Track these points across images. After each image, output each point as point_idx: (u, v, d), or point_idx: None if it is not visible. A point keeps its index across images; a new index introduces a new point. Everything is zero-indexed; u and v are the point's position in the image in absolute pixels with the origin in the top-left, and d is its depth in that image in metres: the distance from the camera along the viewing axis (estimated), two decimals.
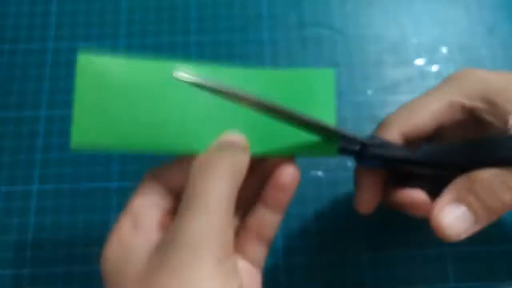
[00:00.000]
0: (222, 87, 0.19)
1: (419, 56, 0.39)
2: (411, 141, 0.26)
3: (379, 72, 0.38)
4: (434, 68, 0.38)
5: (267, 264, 0.31)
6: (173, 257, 0.19)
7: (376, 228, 0.34)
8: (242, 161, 0.22)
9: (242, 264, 0.23)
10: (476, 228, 0.23)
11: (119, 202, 0.34)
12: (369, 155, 0.24)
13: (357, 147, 0.24)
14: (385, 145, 0.24)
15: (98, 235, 0.33)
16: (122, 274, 0.21)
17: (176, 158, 0.24)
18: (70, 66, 0.38)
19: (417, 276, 0.33)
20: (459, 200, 0.22)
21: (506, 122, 0.24)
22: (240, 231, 0.24)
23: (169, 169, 0.23)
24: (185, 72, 0.19)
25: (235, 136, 0.22)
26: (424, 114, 0.26)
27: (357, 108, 0.37)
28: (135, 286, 0.20)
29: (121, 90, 0.23)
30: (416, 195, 0.25)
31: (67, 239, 0.33)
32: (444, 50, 0.39)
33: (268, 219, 0.24)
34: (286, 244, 0.33)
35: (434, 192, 0.24)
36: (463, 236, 0.23)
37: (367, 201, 0.27)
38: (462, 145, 0.24)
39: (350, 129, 0.36)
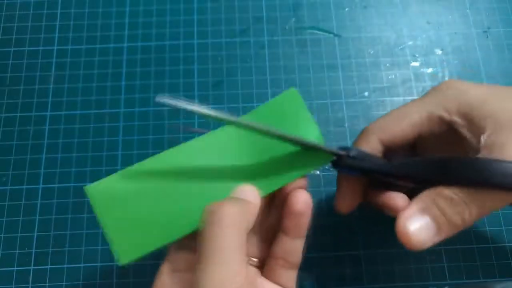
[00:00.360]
0: (199, 110, 0.22)
1: (414, 59, 0.39)
2: (391, 149, 0.27)
3: (376, 74, 0.39)
4: (429, 70, 0.39)
5: None
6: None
7: (373, 226, 0.34)
8: (252, 209, 0.23)
9: None
10: (438, 238, 0.24)
11: None
12: (343, 165, 0.26)
13: (333, 158, 0.26)
14: (360, 156, 0.26)
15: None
16: None
17: None
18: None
19: (413, 272, 0.33)
20: (424, 211, 0.24)
21: (479, 141, 0.24)
22: (269, 260, 0.26)
23: None
24: (166, 98, 0.21)
25: (246, 187, 0.24)
26: (404, 124, 0.27)
27: (354, 109, 0.38)
28: None
29: (133, 198, 0.25)
30: (396, 199, 0.26)
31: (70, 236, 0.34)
32: (439, 52, 0.39)
33: (291, 246, 0.25)
34: None
35: (415, 195, 0.25)
36: (426, 245, 0.23)
37: (345, 203, 0.28)
38: (433, 161, 0.24)
39: (349, 129, 0.37)
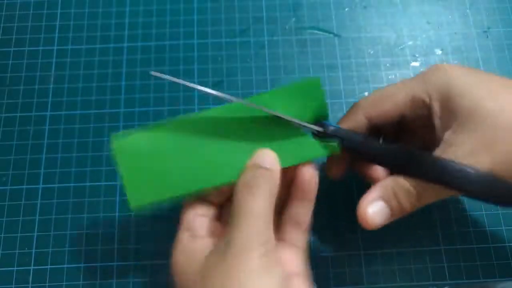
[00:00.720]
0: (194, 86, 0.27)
1: (414, 59, 0.39)
2: (378, 126, 0.29)
3: (376, 74, 0.39)
4: None
5: None
6: (228, 257, 0.23)
7: None
8: (275, 177, 0.26)
9: (287, 251, 0.27)
10: (389, 220, 0.27)
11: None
12: (321, 140, 0.28)
13: (314, 132, 0.28)
14: (338, 133, 0.28)
15: (103, 232, 0.34)
16: (186, 274, 0.25)
17: None
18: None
19: (413, 272, 0.33)
20: (383, 197, 0.27)
21: (443, 134, 0.26)
22: (279, 225, 0.28)
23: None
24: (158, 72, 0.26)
25: (267, 153, 0.26)
26: (388, 104, 0.28)
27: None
28: (198, 282, 0.24)
29: (153, 154, 0.27)
30: (377, 172, 0.29)
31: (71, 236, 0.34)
32: (439, 52, 0.40)
33: (301, 208, 0.28)
34: None
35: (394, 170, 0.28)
36: (378, 226, 0.27)
37: (333, 170, 0.31)
38: (398, 152, 0.27)
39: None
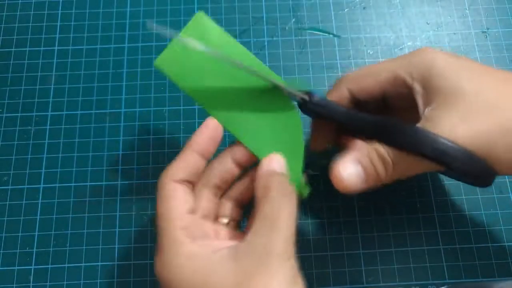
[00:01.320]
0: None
1: None
2: (361, 101, 0.29)
3: None
4: None
5: None
6: (268, 263, 0.23)
7: (373, 225, 0.34)
8: (291, 187, 0.27)
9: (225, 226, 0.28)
10: (362, 186, 0.27)
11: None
12: (307, 109, 0.29)
13: (299, 100, 0.29)
14: (321, 103, 0.28)
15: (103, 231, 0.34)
16: (207, 286, 0.23)
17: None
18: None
19: (413, 271, 0.33)
20: (358, 160, 0.26)
21: (423, 112, 0.26)
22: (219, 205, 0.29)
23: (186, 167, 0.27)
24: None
25: (279, 159, 0.27)
26: (371, 80, 0.28)
27: None
28: None
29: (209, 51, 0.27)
30: (358, 144, 0.29)
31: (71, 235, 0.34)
32: None
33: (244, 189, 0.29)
34: None
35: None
36: (353, 189, 0.27)
37: (316, 143, 0.31)
38: (378, 121, 0.27)
39: None
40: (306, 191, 0.29)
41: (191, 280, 0.23)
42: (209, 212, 0.28)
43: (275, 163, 0.27)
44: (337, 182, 0.26)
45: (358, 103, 0.30)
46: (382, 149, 0.26)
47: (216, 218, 0.28)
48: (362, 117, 0.28)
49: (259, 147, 0.28)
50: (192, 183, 0.27)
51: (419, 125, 0.26)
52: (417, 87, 0.27)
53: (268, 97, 0.29)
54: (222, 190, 0.29)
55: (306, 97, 0.28)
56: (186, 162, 0.27)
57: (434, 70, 0.26)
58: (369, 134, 0.28)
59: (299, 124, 0.28)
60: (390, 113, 0.31)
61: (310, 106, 0.28)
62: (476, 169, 0.25)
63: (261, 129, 0.28)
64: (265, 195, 0.25)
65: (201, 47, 0.26)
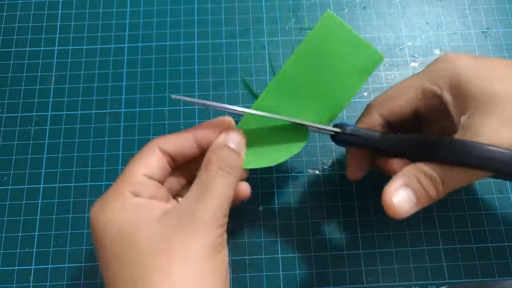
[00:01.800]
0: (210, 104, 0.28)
1: (414, 59, 0.39)
2: (394, 123, 0.29)
3: (375, 75, 0.39)
4: None
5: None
6: (191, 228, 0.24)
7: (373, 225, 0.34)
8: (241, 164, 0.27)
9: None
10: (416, 208, 0.26)
11: None
12: (340, 140, 0.29)
13: (332, 133, 0.29)
14: (355, 132, 0.28)
15: None
16: (132, 238, 0.23)
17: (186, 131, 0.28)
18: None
19: (413, 271, 0.33)
20: (407, 184, 0.26)
21: (458, 121, 0.26)
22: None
23: (176, 138, 0.28)
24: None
25: (236, 134, 0.28)
26: (401, 100, 0.28)
27: (354, 109, 0.38)
28: (153, 245, 0.23)
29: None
30: (397, 165, 0.29)
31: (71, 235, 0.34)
32: (438, 53, 0.40)
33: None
34: (283, 240, 0.34)
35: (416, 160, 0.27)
36: (407, 214, 0.26)
37: (354, 172, 0.31)
38: (417, 139, 0.27)
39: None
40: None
41: (120, 229, 0.24)
42: (155, 174, 0.27)
43: (229, 138, 0.27)
44: (390, 210, 0.26)
45: (391, 125, 0.30)
46: (427, 168, 0.26)
47: (162, 184, 0.28)
48: (399, 138, 0.28)
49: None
50: (173, 161, 0.28)
51: (457, 135, 0.26)
52: (448, 97, 0.27)
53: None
54: (176, 163, 0.28)
55: (339, 130, 0.29)
56: (181, 140, 0.27)
57: (462, 77, 0.26)
58: (409, 154, 0.27)
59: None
60: (424, 128, 0.30)
61: (343, 137, 0.29)
62: None
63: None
64: (206, 166, 0.26)
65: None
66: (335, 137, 0.29)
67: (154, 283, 0.22)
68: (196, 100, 0.27)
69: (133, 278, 0.23)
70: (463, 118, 0.26)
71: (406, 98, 0.28)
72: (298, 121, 0.28)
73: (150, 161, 0.26)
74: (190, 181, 0.28)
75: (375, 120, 0.29)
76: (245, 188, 0.29)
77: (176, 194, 0.29)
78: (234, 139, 0.27)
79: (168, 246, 0.23)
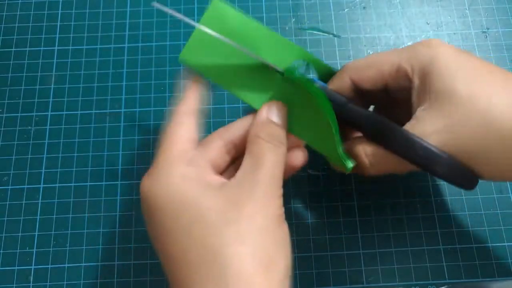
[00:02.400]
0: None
1: None
2: (365, 91, 0.29)
3: None
4: None
5: None
6: (256, 198, 0.24)
7: (373, 225, 0.34)
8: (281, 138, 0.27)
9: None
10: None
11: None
12: None
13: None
14: (324, 90, 0.28)
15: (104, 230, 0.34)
16: (197, 208, 0.23)
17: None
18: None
19: (413, 271, 0.33)
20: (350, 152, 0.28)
21: (415, 109, 0.26)
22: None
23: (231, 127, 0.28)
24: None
25: (276, 109, 0.27)
26: (373, 71, 0.28)
27: None
28: (224, 217, 0.23)
29: (228, 37, 0.27)
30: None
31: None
32: None
33: None
34: None
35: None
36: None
37: None
38: (373, 117, 0.28)
39: None
40: (349, 164, 0.28)
41: (181, 199, 0.23)
42: (215, 164, 0.27)
43: (271, 112, 0.27)
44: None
45: (360, 92, 0.29)
46: (369, 148, 0.27)
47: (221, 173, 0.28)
48: (357, 111, 0.28)
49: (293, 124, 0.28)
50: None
51: (408, 124, 0.26)
52: (416, 82, 0.27)
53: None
54: (237, 151, 0.28)
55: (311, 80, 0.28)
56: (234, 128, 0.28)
57: (434, 66, 0.26)
58: (360, 128, 0.28)
59: (326, 100, 0.27)
60: (394, 106, 0.30)
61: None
62: (457, 174, 0.26)
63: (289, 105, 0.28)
64: (254, 140, 0.26)
65: (216, 35, 0.27)
66: None
67: (231, 250, 0.22)
68: (178, 14, 0.26)
69: (206, 246, 0.22)
70: (419, 109, 0.26)
71: (380, 69, 0.28)
72: (269, 63, 0.28)
73: (184, 128, 0.27)
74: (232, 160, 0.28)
75: (345, 83, 0.29)
76: (296, 156, 0.28)
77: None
78: (277, 113, 0.27)
79: (239, 216, 0.23)
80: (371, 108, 0.33)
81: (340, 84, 0.29)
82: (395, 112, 0.30)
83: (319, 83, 0.29)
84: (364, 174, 0.28)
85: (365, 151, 0.27)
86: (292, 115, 0.28)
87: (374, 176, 0.28)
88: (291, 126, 0.28)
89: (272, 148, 0.25)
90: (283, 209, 0.25)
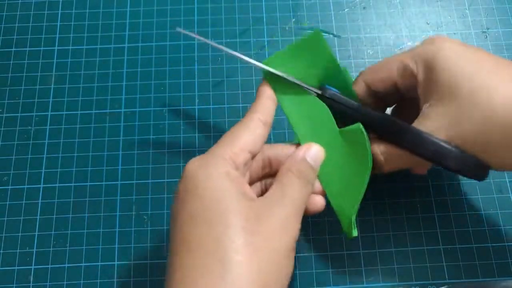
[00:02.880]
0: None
1: None
2: (379, 94, 0.30)
3: None
4: None
5: None
6: (283, 212, 0.25)
7: (373, 225, 0.34)
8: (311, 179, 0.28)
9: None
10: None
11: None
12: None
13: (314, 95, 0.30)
14: (335, 97, 0.30)
15: (104, 231, 0.34)
16: (226, 204, 0.24)
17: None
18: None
19: (413, 271, 0.33)
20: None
21: (422, 106, 0.27)
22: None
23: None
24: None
25: (318, 151, 0.28)
26: (383, 72, 0.29)
27: None
28: (243, 224, 0.23)
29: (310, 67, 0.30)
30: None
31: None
32: None
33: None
34: None
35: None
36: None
37: None
38: (384, 119, 0.29)
39: None
40: (355, 233, 0.29)
41: (217, 193, 0.24)
42: (251, 175, 0.28)
43: (310, 153, 0.28)
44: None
45: (376, 95, 0.30)
46: (382, 147, 0.28)
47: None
48: (370, 114, 0.29)
49: (325, 172, 0.29)
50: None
51: (416, 121, 0.27)
52: (421, 80, 0.27)
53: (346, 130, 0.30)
54: (269, 171, 0.29)
55: (319, 92, 0.30)
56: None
57: (437, 61, 0.26)
58: (374, 129, 0.29)
59: (367, 163, 0.28)
60: (407, 105, 0.31)
61: (322, 100, 0.30)
62: (467, 166, 0.27)
63: (331, 156, 0.29)
64: (285, 173, 0.26)
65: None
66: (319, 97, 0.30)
67: (237, 258, 0.22)
68: (201, 38, 0.28)
69: (219, 243, 0.23)
70: (425, 106, 0.27)
71: (388, 71, 0.29)
72: (287, 77, 0.29)
73: (252, 137, 0.27)
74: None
75: (360, 87, 0.30)
76: (317, 201, 0.29)
77: None
78: (315, 156, 0.28)
79: (258, 230, 0.23)
80: (388, 110, 0.34)
81: (356, 88, 0.30)
82: (411, 113, 0.30)
83: (331, 89, 0.30)
84: (380, 171, 0.29)
85: (380, 149, 0.28)
86: (328, 164, 0.29)
87: (389, 173, 0.29)
88: (322, 172, 0.29)
89: (300, 184, 0.26)
90: (295, 244, 0.25)
